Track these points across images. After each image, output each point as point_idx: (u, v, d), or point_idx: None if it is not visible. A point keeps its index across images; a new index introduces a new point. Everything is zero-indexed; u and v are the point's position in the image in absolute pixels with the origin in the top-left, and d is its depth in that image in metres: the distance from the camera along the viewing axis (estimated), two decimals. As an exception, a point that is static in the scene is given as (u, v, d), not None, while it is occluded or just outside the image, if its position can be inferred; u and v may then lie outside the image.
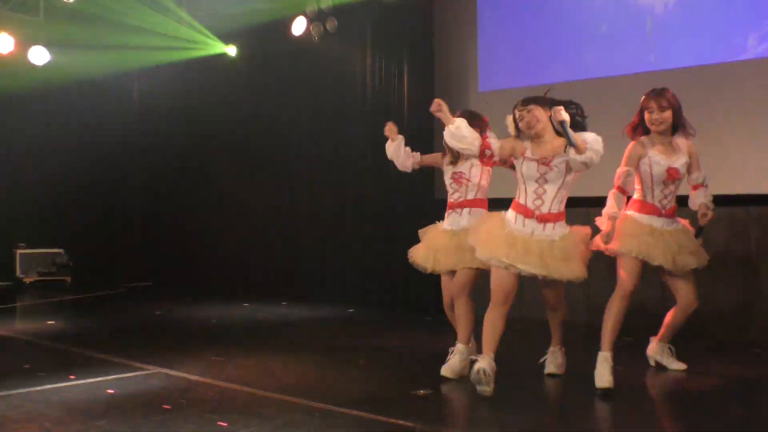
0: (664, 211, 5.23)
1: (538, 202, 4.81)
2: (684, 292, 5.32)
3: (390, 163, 5.84)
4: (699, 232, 5.22)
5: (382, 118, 7.15)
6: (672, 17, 7.72)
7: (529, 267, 4.67)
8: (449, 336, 5.81)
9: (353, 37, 9.77)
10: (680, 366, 5.59)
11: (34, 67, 11.22)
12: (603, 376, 4.85)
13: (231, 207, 11.27)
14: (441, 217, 5.63)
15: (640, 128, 5.22)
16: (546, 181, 4.79)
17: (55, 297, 10.50)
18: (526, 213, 4.81)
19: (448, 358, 5.37)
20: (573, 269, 4.77)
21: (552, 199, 4.81)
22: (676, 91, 5.31)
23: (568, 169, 4.75)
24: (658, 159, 5.15)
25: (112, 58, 11.45)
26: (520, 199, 4.86)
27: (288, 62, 10.51)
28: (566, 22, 8.50)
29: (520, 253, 4.70)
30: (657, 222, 5.22)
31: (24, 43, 11.09)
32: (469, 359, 5.22)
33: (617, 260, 5.17)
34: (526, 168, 4.80)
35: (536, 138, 4.81)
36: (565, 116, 4.56)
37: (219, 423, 4.16)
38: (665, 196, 5.23)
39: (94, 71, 11.52)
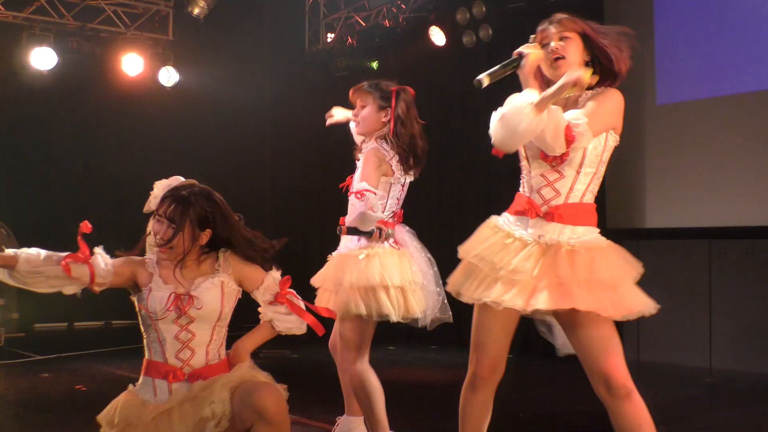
0: (544, 209, 3.32)
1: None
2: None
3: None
4: None
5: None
6: None
7: None
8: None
9: (507, 45, 9.17)
10: None
11: (164, 88, 11.33)
12: None
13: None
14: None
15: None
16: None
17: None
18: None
19: None
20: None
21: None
22: None
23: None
24: None
25: (241, 76, 11.45)
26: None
27: (426, 74, 10.32)
28: (756, 24, 7.84)
29: None
30: (523, 228, 3.35)
31: (154, 65, 11.27)
32: None
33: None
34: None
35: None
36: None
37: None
38: (548, 182, 3.33)
39: (222, 90, 11.45)
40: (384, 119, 4.36)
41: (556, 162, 3.24)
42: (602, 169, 3.32)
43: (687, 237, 8.21)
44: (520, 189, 3.42)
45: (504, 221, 3.38)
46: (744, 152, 7.71)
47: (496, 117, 3.15)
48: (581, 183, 3.27)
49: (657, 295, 7.54)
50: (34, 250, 3.24)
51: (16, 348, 9.12)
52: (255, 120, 12.31)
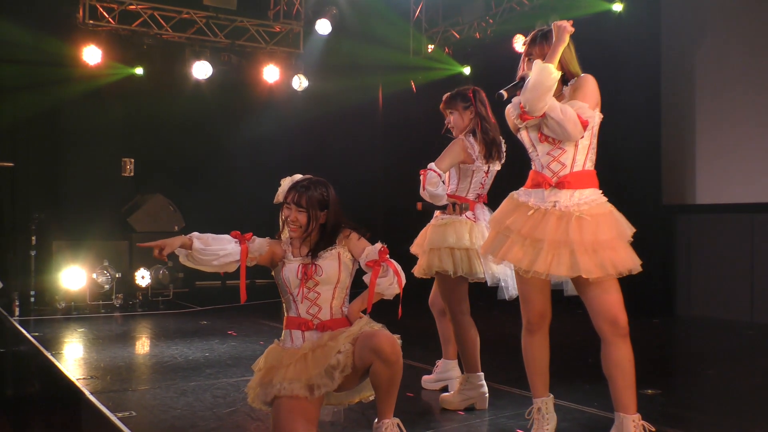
0: (555, 180, 3.35)
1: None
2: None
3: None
4: None
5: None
6: None
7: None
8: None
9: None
10: None
11: (296, 92, 11.55)
12: None
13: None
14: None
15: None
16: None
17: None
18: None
19: None
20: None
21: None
22: None
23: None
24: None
25: (357, 82, 11.51)
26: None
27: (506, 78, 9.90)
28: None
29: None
30: (541, 198, 3.36)
31: (288, 73, 11.47)
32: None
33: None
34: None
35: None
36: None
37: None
38: (554, 158, 3.35)
39: (343, 93, 11.55)
40: (470, 116, 4.30)
41: (556, 142, 3.31)
42: (594, 141, 3.36)
43: (732, 212, 7.95)
44: (532, 167, 3.45)
45: (524, 195, 3.40)
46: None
47: (524, 89, 3.21)
48: (581, 154, 3.31)
49: (705, 261, 7.35)
50: (202, 234, 3.33)
51: (181, 300, 9.45)
52: (369, 117, 12.35)
